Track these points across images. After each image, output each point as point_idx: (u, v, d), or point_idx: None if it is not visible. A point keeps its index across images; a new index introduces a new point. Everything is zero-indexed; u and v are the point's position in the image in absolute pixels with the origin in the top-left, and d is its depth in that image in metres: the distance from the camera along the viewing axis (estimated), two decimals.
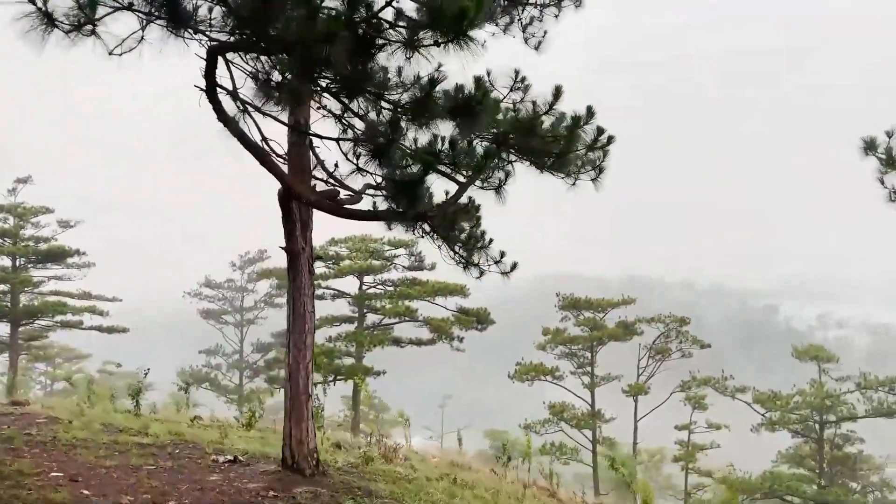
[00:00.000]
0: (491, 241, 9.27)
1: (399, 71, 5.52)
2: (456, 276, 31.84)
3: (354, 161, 6.97)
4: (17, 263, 30.46)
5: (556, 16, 9.11)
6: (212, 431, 11.27)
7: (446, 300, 28.40)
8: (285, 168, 7.43)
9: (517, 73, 7.03)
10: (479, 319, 28.39)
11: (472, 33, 4.41)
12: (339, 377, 28.02)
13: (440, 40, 4.53)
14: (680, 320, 33.24)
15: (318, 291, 30.18)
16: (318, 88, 5.47)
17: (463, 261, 9.66)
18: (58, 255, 30.75)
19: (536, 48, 9.07)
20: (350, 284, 31.00)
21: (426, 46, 4.79)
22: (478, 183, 6.92)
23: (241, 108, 6.36)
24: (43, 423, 10.30)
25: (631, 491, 14.99)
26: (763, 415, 30.36)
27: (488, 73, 6.78)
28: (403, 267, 30.14)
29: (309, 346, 7.74)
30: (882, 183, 7.93)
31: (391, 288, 29.24)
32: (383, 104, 5.73)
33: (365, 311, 29.61)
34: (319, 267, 30.89)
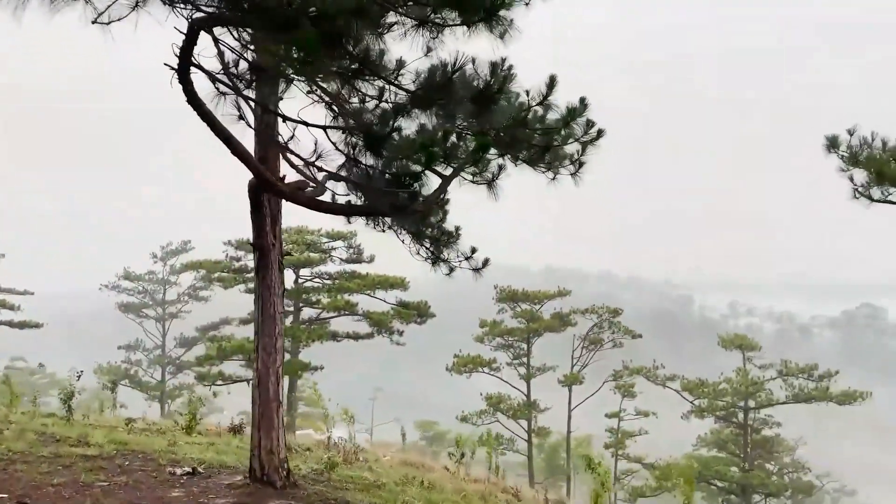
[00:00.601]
0: (459, 235, 8.97)
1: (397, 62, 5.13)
2: (395, 269, 31.39)
3: (347, 151, 6.48)
4: None
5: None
6: (156, 438, 10.52)
7: (386, 293, 27.92)
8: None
9: (503, 60, 6.72)
10: (419, 313, 28.08)
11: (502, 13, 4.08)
12: None
13: (471, 19, 4.18)
14: (613, 311, 33.95)
15: (248, 285, 29.14)
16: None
17: (432, 257, 9.32)
18: None
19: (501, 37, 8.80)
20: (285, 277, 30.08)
21: (450, 26, 4.42)
22: (468, 177, 6.59)
23: (222, 89, 5.79)
24: None
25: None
26: (692, 402, 31.40)
27: (473, 61, 6.45)
28: (341, 259, 29.46)
29: (279, 349, 7.24)
30: (851, 180, 8.08)
31: (328, 281, 28.51)
32: (394, 88, 5.30)
33: (301, 305, 28.75)
34: (249, 260, 29.81)
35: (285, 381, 29.61)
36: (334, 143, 6.48)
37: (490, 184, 6.69)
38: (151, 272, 46.50)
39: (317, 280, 29.13)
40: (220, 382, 27.15)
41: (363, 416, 59.26)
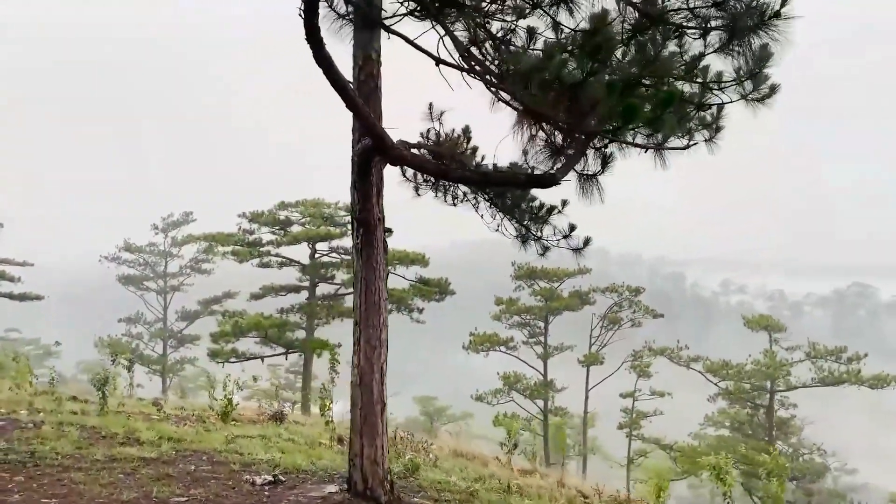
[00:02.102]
0: (558, 210, 7.87)
1: None
2: (414, 243, 30.07)
3: (514, 103, 5.32)
4: None
5: None
6: (208, 433, 9.50)
7: (407, 269, 26.85)
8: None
9: None
10: (440, 290, 27.07)
11: None
12: (292, 351, 26.15)
13: None
14: (634, 290, 33.08)
15: (263, 259, 28.01)
16: None
17: (522, 235, 8.29)
18: None
19: None
20: (299, 252, 28.92)
21: None
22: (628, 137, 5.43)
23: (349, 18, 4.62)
24: (3, 426, 8.27)
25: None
26: (716, 384, 30.71)
27: None
28: None
29: (384, 342, 6.17)
30: None
31: (346, 256, 27.35)
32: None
33: (317, 280, 27.64)
34: (265, 233, 28.62)
35: (295, 357, 28.65)
36: (499, 96, 5.33)
37: (659, 147, 5.52)
38: (153, 244, 45.21)
39: (333, 255, 27.99)
40: (233, 360, 26.13)
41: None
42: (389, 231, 6.26)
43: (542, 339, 33.76)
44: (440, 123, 7.98)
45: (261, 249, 26.93)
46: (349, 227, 26.13)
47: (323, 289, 28.51)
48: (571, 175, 5.66)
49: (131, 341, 44.76)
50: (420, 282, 27.36)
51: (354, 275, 6.23)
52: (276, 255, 27.37)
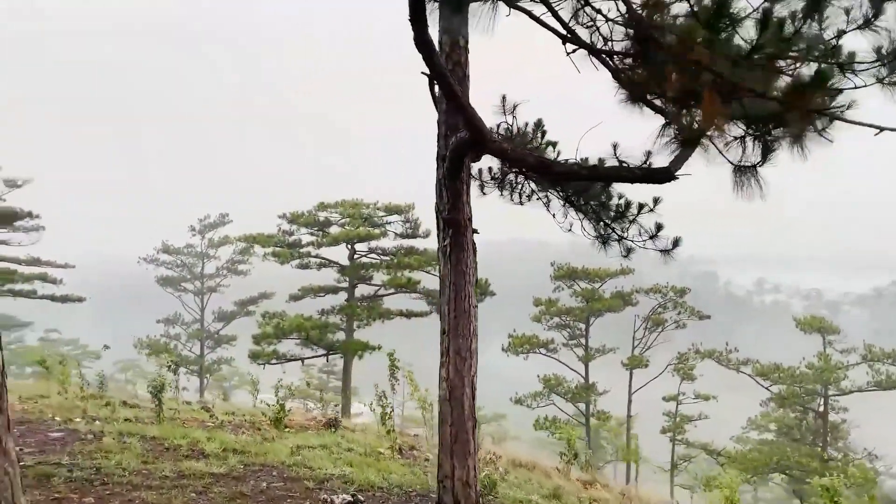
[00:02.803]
0: (650, 209, 7.31)
1: None
2: (492, 245, 29.89)
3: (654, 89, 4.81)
4: None
5: None
6: (270, 443, 9.12)
7: None
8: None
9: None
10: (480, 290, 26.55)
11: None
12: (333, 353, 25.88)
13: None
14: (679, 291, 32.21)
15: (303, 260, 27.78)
16: None
17: (603, 235, 7.76)
18: (6, 218, 27.33)
19: None
20: (337, 253, 28.65)
21: None
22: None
23: None
24: (58, 438, 7.97)
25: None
26: (767, 388, 29.73)
27: None
28: (396, 234, 27.93)
29: (474, 352, 5.70)
30: None
31: (386, 257, 27.02)
32: None
33: (356, 281, 27.33)
34: (303, 233, 28.39)
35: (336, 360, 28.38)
36: (630, 76, 4.82)
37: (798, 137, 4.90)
38: (190, 245, 45.44)
39: (372, 256, 27.67)
40: (274, 361, 25.95)
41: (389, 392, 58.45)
42: (476, 231, 5.80)
43: (582, 340, 33.05)
44: (514, 117, 7.51)
45: (301, 251, 26.71)
46: (387, 226, 25.78)
47: (361, 290, 28.23)
48: (689, 168, 5.11)
49: (169, 342, 45.06)
50: None
51: (441, 280, 5.77)
52: (316, 257, 27.11)
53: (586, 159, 5.90)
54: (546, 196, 7.90)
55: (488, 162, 8.54)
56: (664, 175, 5.00)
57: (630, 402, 33.58)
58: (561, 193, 7.81)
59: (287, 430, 11.85)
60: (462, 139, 5.09)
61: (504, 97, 7.28)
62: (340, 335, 26.56)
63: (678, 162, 5.33)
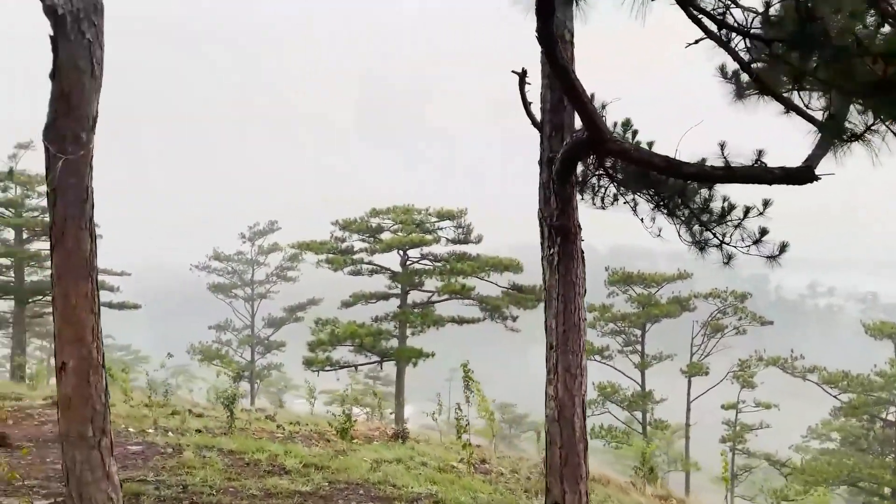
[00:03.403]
0: (759, 212, 6.81)
1: None
2: (506, 250, 29.32)
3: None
4: (23, 236, 27.57)
5: None
6: (346, 457, 8.87)
7: (501, 276, 26.03)
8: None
9: None
10: (535, 296, 26.07)
11: None
12: (386, 359, 25.70)
13: None
14: (740, 296, 31.17)
15: (356, 267, 27.70)
16: None
17: (700, 241, 7.29)
18: None
19: None
20: (389, 259, 28.52)
21: None
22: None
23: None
24: (138, 452, 7.84)
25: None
26: (836, 396, 28.51)
27: None
28: (448, 240, 27.62)
29: (584, 369, 5.31)
30: None
31: (438, 263, 26.74)
32: None
33: (408, 288, 27.10)
34: (355, 240, 28.32)
35: (388, 366, 28.20)
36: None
37: None
38: (240, 252, 46.05)
39: (425, 262, 27.43)
40: (328, 368, 25.89)
41: (441, 397, 58.10)
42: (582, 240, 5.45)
43: (638, 347, 32.26)
44: (603, 116, 7.11)
45: (353, 257, 26.64)
46: (439, 232, 25.47)
47: (413, 296, 28.01)
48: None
49: (221, 347, 45.66)
50: (514, 288, 26.47)
51: (547, 291, 5.40)
52: (369, 263, 27.01)
53: (704, 160, 5.46)
54: (633, 200, 7.48)
55: None
56: (805, 175, 4.55)
57: (689, 410, 32.60)
58: (652, 196, 7.40)
59: (354, 441, 11.63)
60: (579, 139, 4.72)
61: (592, 95, 6.90)
62: (393, 342, 26.37)
63: (814, 160, 4.88)
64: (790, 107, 4.89)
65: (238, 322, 47.06)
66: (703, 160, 4.79)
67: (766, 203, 6.74)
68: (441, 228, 27.61)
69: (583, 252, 5.38)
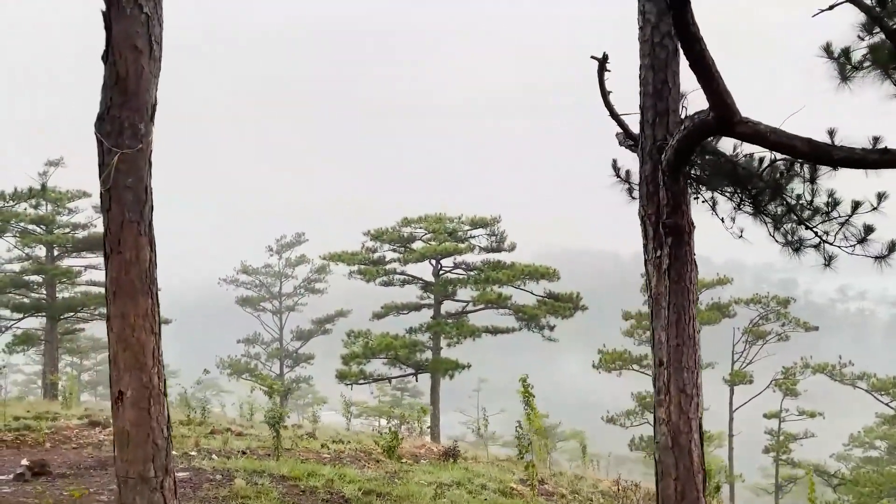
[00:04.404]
0: (873, 207, 6.11)
1: None
2: (541, 257, 28.66)
3: None
4: (54, 253, 27.43)
5: None
6: (403, 482, 8.25)
7: (538, 284, 25.31)
8: None
9: None
10: (573, 304, 25.33)
11: None
12: (421, 371, 25.07)
13: None
14: (783, 301, 30.11)
15: (388, 277, 27.15)
16: None
17: (797, 241, 6.63)
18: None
19: None
20: (420, 268, 27.93)
21: None
22: None
23: None
24: (186, 479, 7.28)
25: None
26: (887, 404, 27.33)
27: None
28: (481, 248, 26.97)
29: (700, 387, 4.64)
30: None
31: (472, 272, 26.08)
32: None
33: (441, 298, 26.47)
34: (385, 250, 27.79)
35: (425, 378, 27.54)
36: None
37: None
38: (268, 265, 45.82)
39: (458, 271, 26.80)
40: (361, 381, 25.34)
41: (468, 408, 57.42)
42: None
43: None
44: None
45: (385, 267, 26.11)
46: (471, 240, 24.83)
47: (446, 306, 27.38)
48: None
49: (250, 361, 45.41)
50: (549, 297, 25.74)
51: (654, 299, 4.74)
52: (402, 273, 26.44)
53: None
54: (713, 198, 6.82)
55: (631, 162, 7.47)
56: None
57: (731, 419, 31.51)
58: (735, 193, 6.73)
59: (402, 460, 11.03)
60: (703, 121, 4.08)
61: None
62: (426, 353, 25.75)
63: None
64: None
65: (266, 335, 46.79)
66: (876, 140, 4.11)
67: (881, 197, 6.04)
68: (474, 237, 27.00)
69: (694, 257, 4.73)
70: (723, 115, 3.83)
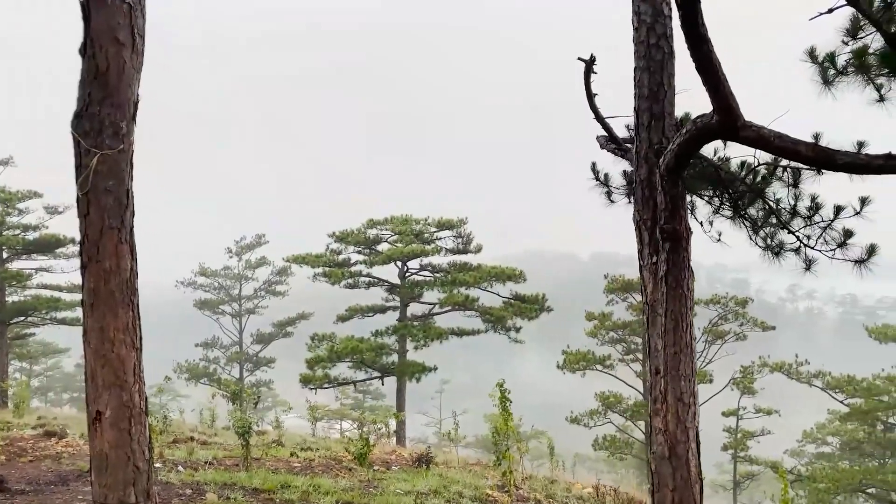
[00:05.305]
0: (856, 212, 6.17)
1: None
2: (505, 259, 28.85)
3: None
4: (3, 255, 26.34)
5: None
6: (379, 493, 8.05)
7: (504, 286, 25.31)
8: None
9: None
10: (539, 306, 25.41)
11: None
12: (387, 375, 24.80)
13: None
14: (741, 302, 30.67)
15: (353, 280, 26.83)
16: None
17: (776, 245, 6.71)
18: (49, 245, 26.69)
19: None
20: (386, 271, 27.66)
21: None
22: None
23: None
24: (157, 493, 6.95)
25: None
26: (842, 401, 28.07)
27: None
28: (447, 250, 26.86)
29: (696, 395, 4.56)
30: None
31: (438, 274, 25.95)
32: None
33: (408, 300, 26.26)
34: (350, 252, 27.45)
35: (392, 381, 27.25)
36: None
37: None
38: (227, 267, 44.91)
39: (424, 273, 26.63)
40: (326, 385, 24.97)
41: (430, 409, 57.26)
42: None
43: (639, 355, 31.62)
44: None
45: (351, 270, 25.77)
46: (438, 242, 24.67)
47: (412, 309, 27.17)
48: None
49: (208, 365, 44.44)
50: (516, 298, 25.76)
51: (650, 306, 4.65)
52: (367, 276, 26.14)
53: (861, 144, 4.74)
54: (692, 202, 6.81)
55: (610, 165, 7.42)
56: None
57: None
58: (715, 197, 6.75)
59: (373, 468, 10.80)
60: (705, 125, 3.99)
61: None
62: (393, 356, 25.50)
63: None
64: None
65: (226, 339, 45.85)
66: (861, 145, 4.08)
67: (863, 201, 6.09)
68: (440, 238, 26.87)
69: (690, 262, 4.65)
70: (727, 119, 3.75)
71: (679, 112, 6.01)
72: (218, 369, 44.28)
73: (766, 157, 6.36)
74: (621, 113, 6.60)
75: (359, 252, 27.03)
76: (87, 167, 2.99)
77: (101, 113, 3.07)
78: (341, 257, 26.34)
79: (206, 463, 9.54)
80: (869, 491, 27.78)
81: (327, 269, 25.23)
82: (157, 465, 9.24)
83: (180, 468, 8.91)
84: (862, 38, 5.15)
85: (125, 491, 3.16)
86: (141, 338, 3.27)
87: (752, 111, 5.43)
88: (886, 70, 5.03)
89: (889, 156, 4.04)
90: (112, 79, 3.06)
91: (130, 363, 3.16)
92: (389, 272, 27.29)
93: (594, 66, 5.98)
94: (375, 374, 24.81)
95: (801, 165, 6.04)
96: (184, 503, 6.57)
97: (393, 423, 22.10)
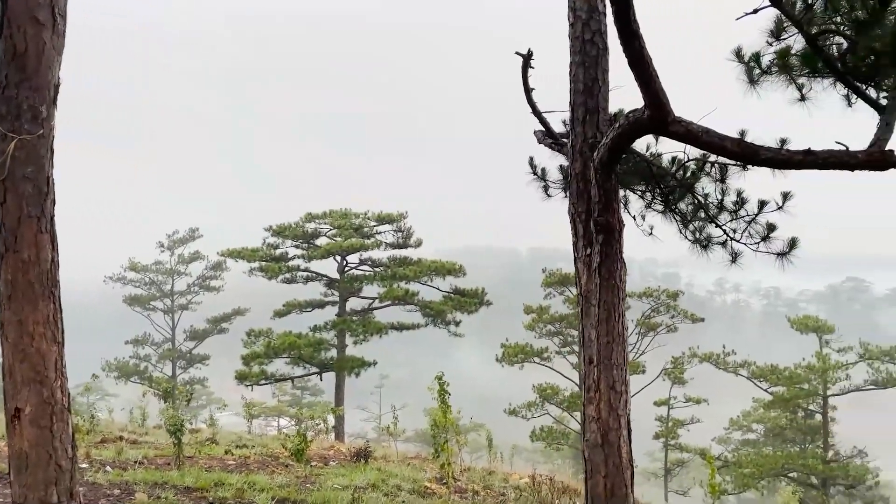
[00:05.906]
0: (778, 206, 6.47)
1: None
2: (447, 253, 28.92)
3: None
4: None
5: None
6: (317, 489, 7.97)
7: (444, 280, 25.39)
8: None
9: None
10: (479, 300, 25.62)
11: None
12: (326, 370, 24.56)
13: None
14: (672, 295, 31.72)
15: (290, 275, 26.44)
16: None
17: (704, 239, 6.98)
18: None
19: None
20: (325, 265, 27.35)
21: None
22: None
23: None
24: (83, 493, 6.68)
25: None
26: (766, 390, 29.39)
27: None
28: (387, 244, 26.75)
29: (628, 384, 4.70)
30: None
31: (378, 269, 25.84)
32: None
33: (347, 295, 26.05)
34: (288, 246, 27.03)
35: (331, 376, 26.99)
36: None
37: None
38: (159, 262, 43.50)
39: (364, 268, 26.46)
40: (263, 382, 24.54)
41: (370, 404, 57.04)
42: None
43: (575, 348, 32.31)
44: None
45: (289, 264, 25.36)
46: (378, 236, 24.57)
47: (351, 304, 26.99)
48: None
49: (139, 363, 43.03)
50: (455, 293, 25.91)
51: (584, 297, 4.75)
52: (305, 270, 25.78)
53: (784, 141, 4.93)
54: (625, 196, 7.01)
55: (547, 159, 7.55)
56: (889, 160, 4.09)
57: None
58: (646, 192, 6.97)
59: (311, 464, 10.69)
60: (637, 120, 4.09)
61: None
62: (331, 352, 25.27)
63: (882, 146, 4.45)
64: (853, 88, 4.46)
65: (157, 336, 44.44)
66: (783, 142, 4.26)
67: (785, 196, 6.37)
68: (380, 233, 26.73)
69: (623, 255, 4.77)
70: (658, 114, 3.87)
71: (613, 108, 6.18)
72: (149, 367, 42.93)
73: (695, 153, 6.61)
74: (554, 107, 6.73)
75: (297, 246, 26.64)
76: (3, 153, 2.84)
77: (18, 96, 2.92)
78: (278, 252, 25.90)
79: (135, 462, 9.25)
80: (791, 475, 29.20)
81: (264, 263, 24.75)
82: (84, 465, 8.89)
83: (108, 468, 8.60)
84: (785, 38, 5.39)
85: (46, 490, 3.02)
86: (63, 331, 3.13)
87: (685, 108, 5.62)
88: (807, 70, 5.28)
89: (808, 151, 4.24)
90: (31, 60, 2.91)
91: (52, 358, 3.03)
92: (328, 267, 27.02)
93: (531, 61, 6.05)
94: (314, 369, 24.53)
95: (728, 161, 6.30)
96: (112, 503, 6.35)
97: (331, 419, 21.94)
